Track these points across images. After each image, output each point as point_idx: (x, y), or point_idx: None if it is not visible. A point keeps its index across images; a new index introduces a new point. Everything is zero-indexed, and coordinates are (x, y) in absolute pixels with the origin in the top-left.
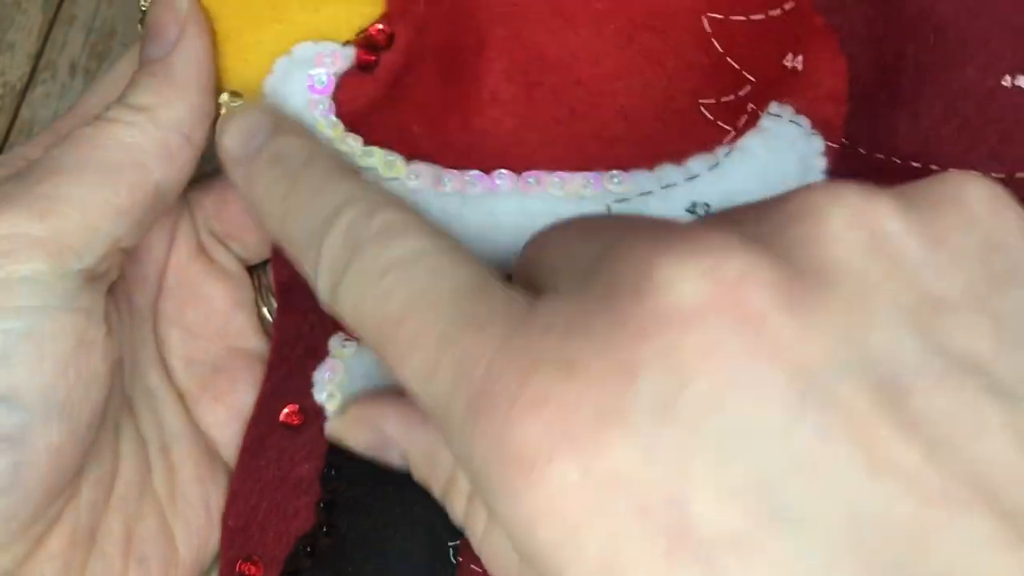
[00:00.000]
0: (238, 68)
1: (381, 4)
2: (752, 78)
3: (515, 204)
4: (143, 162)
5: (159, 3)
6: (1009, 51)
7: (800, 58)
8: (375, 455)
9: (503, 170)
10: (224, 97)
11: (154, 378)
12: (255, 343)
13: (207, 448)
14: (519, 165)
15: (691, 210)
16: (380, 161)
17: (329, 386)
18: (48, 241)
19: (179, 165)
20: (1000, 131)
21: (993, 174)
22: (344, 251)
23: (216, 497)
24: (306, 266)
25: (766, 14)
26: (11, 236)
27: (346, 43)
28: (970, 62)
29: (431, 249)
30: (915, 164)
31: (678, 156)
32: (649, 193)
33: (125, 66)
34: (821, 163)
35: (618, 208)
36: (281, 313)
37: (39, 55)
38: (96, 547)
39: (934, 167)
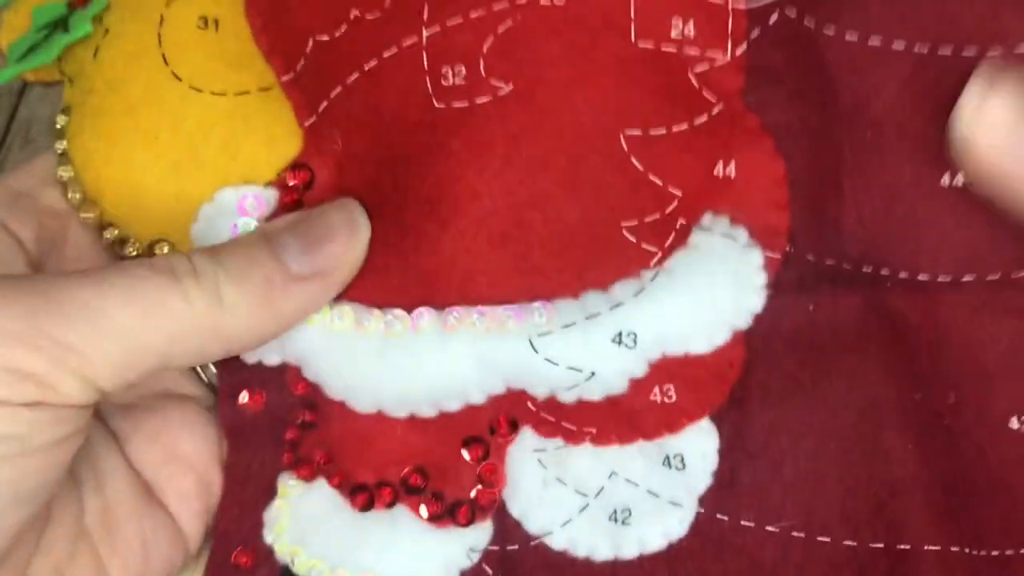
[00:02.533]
0: (164, 215)
1: (299, 142)
2: (679, 192)
3: (436, 344)
4: (174, 355)
5: (344, 213)
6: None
7: (732, 165)
8: None
9: (423, 309)
10: (164, 248)
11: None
12: (189, 388)
13: (144, 491)
14: (440, 301)
15: (617, 340)
16: None
17: (276, 527)
18: (46, 385)
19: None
20: (942, 232)
21: (940, 278)
22: None
23: (154, 533)
24: None
25: (690, 123)
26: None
27: (267, 184)
28: (909, 160)
29: None
30: (866, 270)
31: (603, 282)
32: (572, 324)
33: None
34: (760, 278)
35: (541, 342)
36: (231, 452)
37: None
38: None
39: (884, 271)
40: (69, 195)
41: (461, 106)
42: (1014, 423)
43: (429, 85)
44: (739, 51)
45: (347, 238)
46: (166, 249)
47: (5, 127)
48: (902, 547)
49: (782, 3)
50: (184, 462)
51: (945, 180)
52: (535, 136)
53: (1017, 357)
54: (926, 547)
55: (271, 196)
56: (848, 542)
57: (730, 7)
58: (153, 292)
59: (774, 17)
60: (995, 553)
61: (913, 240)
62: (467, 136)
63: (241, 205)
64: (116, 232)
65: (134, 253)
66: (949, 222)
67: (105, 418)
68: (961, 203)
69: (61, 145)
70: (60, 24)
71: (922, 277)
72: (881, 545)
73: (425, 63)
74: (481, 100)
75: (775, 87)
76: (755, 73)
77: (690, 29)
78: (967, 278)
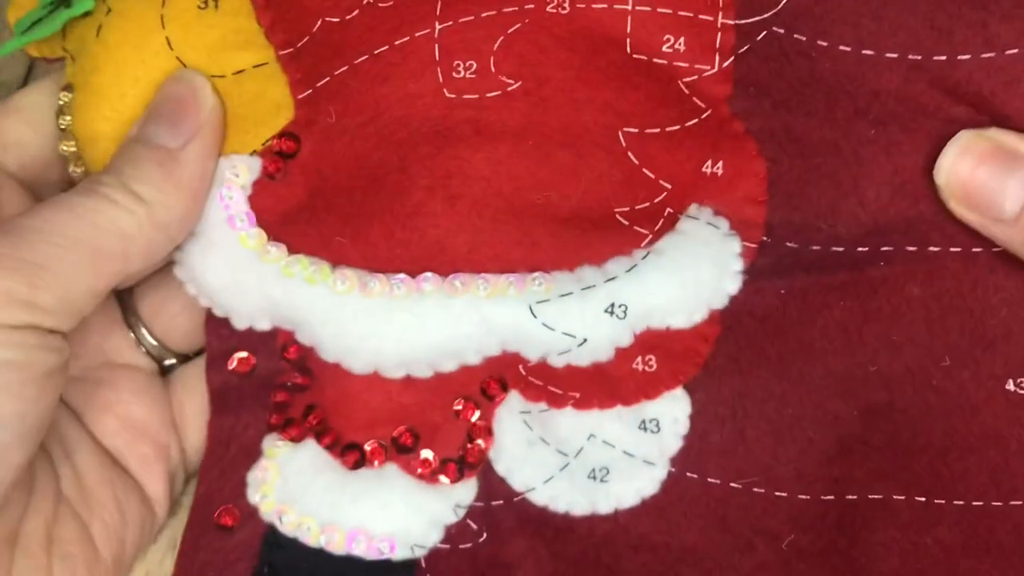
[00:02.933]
0: None
1: (289, 109)
2: (668, 185)
3: (440, 305)
4: (130, 255)
5: (182, 84)
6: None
7: (720, 164)
8: None
9: (428, 273)
10: None
11: None
12: (131, 357)
13: (106, 454)
14: (443, 270)
15: (609, 310)
16: (305, 268)
17: (263, 487)
18: (30, 304)
19: (155, 262)
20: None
21: (952, 248)
22: None
23: (126, 496)
24: None
25: (682, 125)
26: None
27: (253, 153)
28: (916, 148)
29: None
30: (861, 249)
31: (598, 259)
32: (569, 294)
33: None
34: (738, 264)
35: (540, 308)
36: (214, 415)
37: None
38: (19, 547)
39: (885, 248)
40: (71, 169)
41: (471, 98)
42: (1010, 385)
43: (440, 76)
44: (727, 64)
45: (194, 98)
46: None
47: None
48: (850, 497)
49: (771, 20)
50: (139, 428)
51: None
52: (541, 128)
53: (1017, 323)
54: (870, 496)
55: (255, 164)
56: (802, 496)
57: (719, 23)
58: (92, 205)
59: (763, 34)
60: (980, 503)
61: (925, 218)
62: (477, 124)
63: (227, 175)
64: None
65: None
66: None
67: (63, 396)
68: None
69: (64, 121)
70: (64, 1)
71: (933, 248)
72: (831, 497)
73: (436, 54)
74: (491, 94)
75: (760, 97)
76: (742, 84)
77: (680, 44)
78: (976, 249)
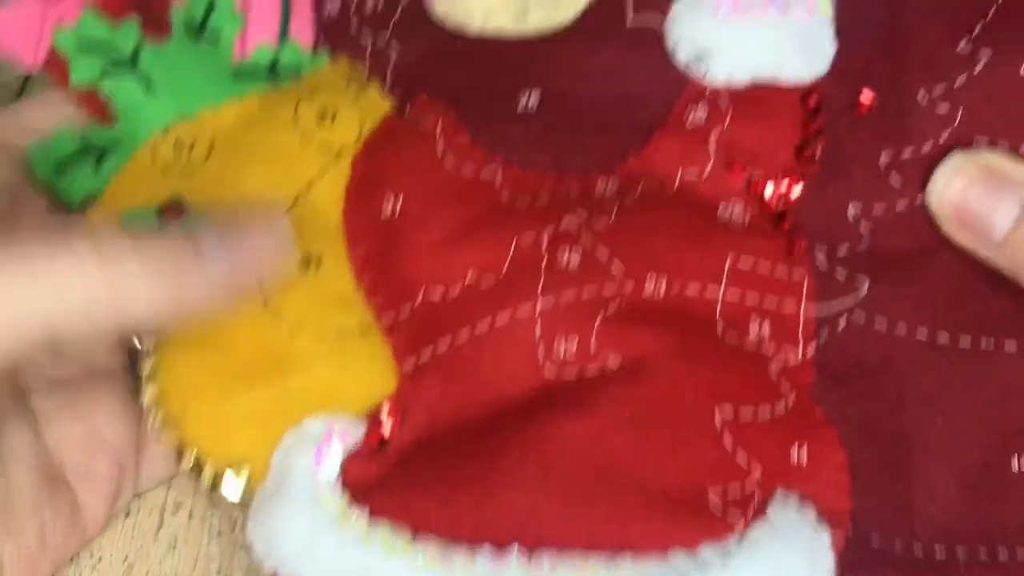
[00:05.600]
0: (247, 441)
1: (392, 377)
2: (759, 469)
3: None
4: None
5: (268, 224)
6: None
7: (804, 450)
8: None
9: (515, 546)
10: (244, 472)
11: (2, 399)
12: (110, 360)
13: (50, 474)
14: (530, 542)
15: None
16: (385, 539)
17: None
18: None
19: (94, 334)
20: (1018, 512)
21: (1020, 556)
22: None
23: (53, 519)
24: None
25: (772, 409)
26: None
27: (356, 417)
28: (980, 444)
29: None
30: (939, 556)
31: (688, 542)
32: None
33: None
34: (829, 558)
35: None
36: None
37: None
38: None
39: (959, 553)
40: (150, 420)
41: (571, 374)
42: None
43: (540, 354)
44: (810, 352)
45: (264, 240)
46: (245, 472)
47: None
48: None
49: (850, 309)
50: (101, 445)
51: (1015, 464)
52: (639, 403)
53: None
54: None
55: (358, 429)
56: None
57: (801, 311)
58: (42, 253)
59: (843, 322)
60: None
61: (983, 515)
62: (575, 396)
63: (328, 432)
64: (195, 456)
65: (211, 478)
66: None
67: (28, 395)
68: None
69: (148, 367)
70: None
71: (1002, 557)
72: None
73: (538, 332)
74: (590, 372)
75: (839, 385)
76: (823, 370)
77: (767, 330)
78: None
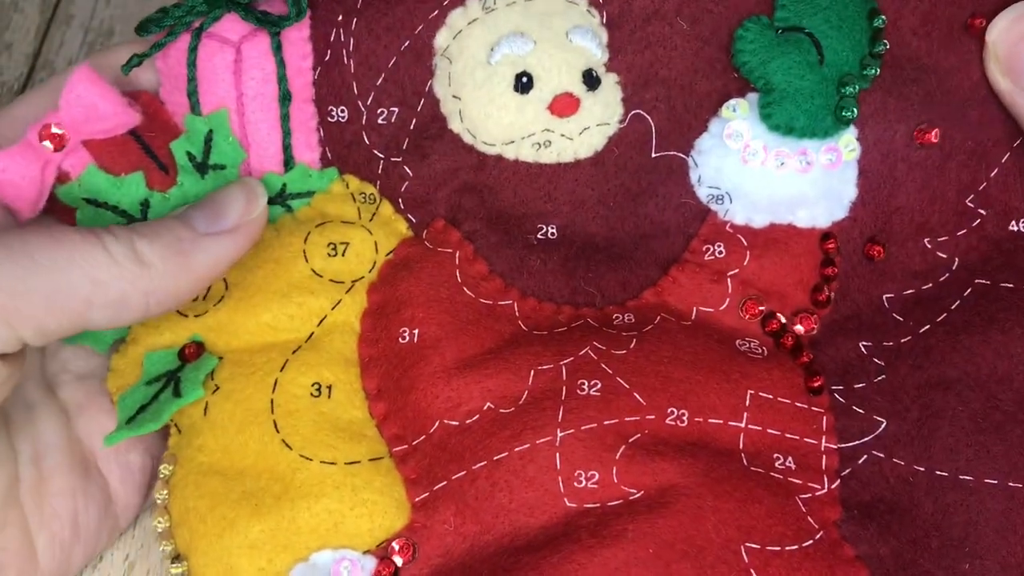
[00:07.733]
0: (237, 569)
1: (403, 509)
2: None
3: None
4: (95, 303)
5: (242, 186)
6: None
7: None
8: None
9: None
10: None
11: (33, 392)
12: None
13: (82, 461)
14: None
15: None
16: None
17: None
18: None
19: (125, 322)
20: None
21: None
22: None
23: (86, 508)
24: None
25: (800, 545)
26: None
27: (366, 552)
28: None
29: None
30: None
31: None
32: None
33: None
34: None
35: None
36: None
37: (36, 55)
38: None
39: None
40: (161, 546)
41: (592, 506)
42: None
43: (561, 484)
44: (834, 486)
45: (246, 202)
46: None
47: None
48: None
49: (870, 444)
50: (134, 436)
51: None
52: (662, 536)
53: None
54: None
55: (369, 564)
56: None
57: (822, 446)
58: (77, 242)
59: (864, 458)
60: None
61: None
62: (595, 529)
63: (336, 568)
64: None
65: None
66: None
67: (57, 389)
68: None
69: (162, 496)
70: (170, 378)
71: None
72: None
73: (558, 463)
74: (612, 503)
75: (866, 521)
76: (849, 506)
77: (791, 463)
78: None
